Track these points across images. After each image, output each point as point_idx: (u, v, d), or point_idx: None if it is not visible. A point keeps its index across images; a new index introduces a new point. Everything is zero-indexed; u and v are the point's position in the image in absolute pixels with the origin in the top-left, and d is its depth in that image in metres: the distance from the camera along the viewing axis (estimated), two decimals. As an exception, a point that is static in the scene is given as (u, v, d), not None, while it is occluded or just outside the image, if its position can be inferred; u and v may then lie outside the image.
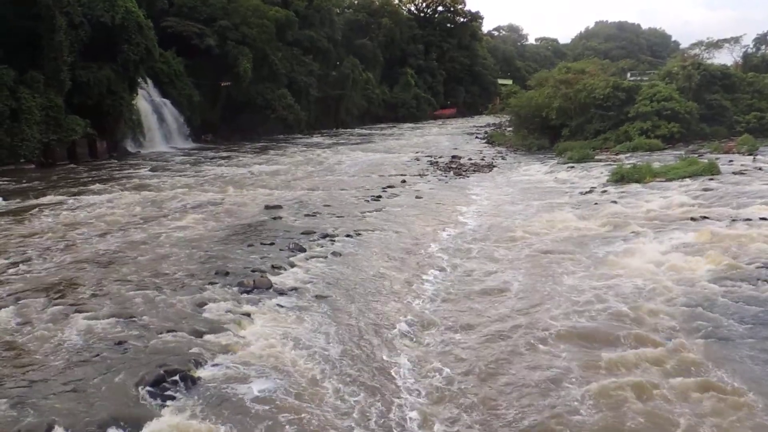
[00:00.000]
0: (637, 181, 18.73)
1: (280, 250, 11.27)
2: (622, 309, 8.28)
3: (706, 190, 16.53)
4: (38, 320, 7.54)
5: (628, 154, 26.60)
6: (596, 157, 26.38)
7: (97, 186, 19.60)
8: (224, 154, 32.68)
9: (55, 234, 12.63)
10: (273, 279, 9.33)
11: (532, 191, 19.55)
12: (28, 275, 9.58)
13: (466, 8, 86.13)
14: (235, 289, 8.84)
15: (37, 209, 15.39)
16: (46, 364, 6.35)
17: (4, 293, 8.64)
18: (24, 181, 20.90)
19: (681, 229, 12.41)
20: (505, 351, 7.34)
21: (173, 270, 9.88)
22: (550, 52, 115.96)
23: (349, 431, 5.55)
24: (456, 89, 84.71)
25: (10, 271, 9.81)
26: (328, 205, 16.30)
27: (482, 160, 30.03)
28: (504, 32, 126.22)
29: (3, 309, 7.88)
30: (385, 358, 7.17)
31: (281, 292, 8.83)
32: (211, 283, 9.10)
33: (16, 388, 5.82)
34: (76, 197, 17.36)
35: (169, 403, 5.71)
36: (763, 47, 40.40)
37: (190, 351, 6.65)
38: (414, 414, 5.97)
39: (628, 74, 49.76)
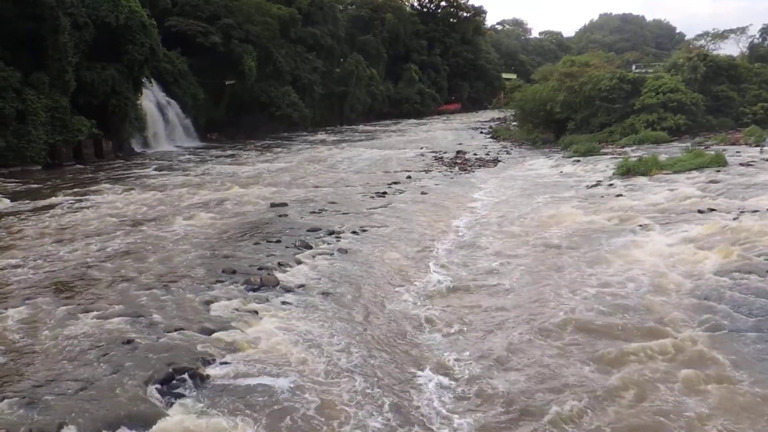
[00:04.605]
0: (644, 174, 18.67)
1: (287, 247, 11.30)
2: (629, 301, 8.28)
3: (713, 182, 16.45)
4: (47, 320, 7.59)
5: (633, 147, 26.50)
6: (602, 151, 26.29)
7: (103, 186, 19.67)
8: (229, 152, 32.74)
9: (62, 234, 12.70)
10: (280, 276, 9.36)
11: (538, 185, 19.50)
12: (36, 275, 9.64)
13: (469, 3, 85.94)
14: (243, 287, 8.88)
15: (44, 210, 15.47)
16: (55, 364, 6.39)
17: (13, 293, 8.71)
18: (31, 182, 21.00)
19: (688, 221, 12.36)
20: (512, 344, 7.33)
21: (180, 268, 9.92)
22: (554, 45, 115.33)
23: (361, 425, 5.56)
24: (460, 84, 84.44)
25: (19, 271, 9.87)
26: (334, 202, 16.31)
27: (487, 155, 29.96)
28: (507, 26, 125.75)
29: (13, 309, 7.94)
30: (392, 353, 7.19)
31: (288, 290, 8.86)
32: (219, 281, 9.14)
33: (26, 388, 5.87)
34: (83, 197, 17.44)
35: (178, 401, 5.74)
36: (770, 37, 40.04)
37: (199, 349, 6.69)
38: (423, 409, 5.97)
39: (633, 66, 49.57)
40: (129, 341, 6.86)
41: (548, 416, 5.71)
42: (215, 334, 7.14)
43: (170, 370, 6.12)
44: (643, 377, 6.26)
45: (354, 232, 12.68)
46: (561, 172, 22.27)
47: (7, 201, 16.80)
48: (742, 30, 38.80)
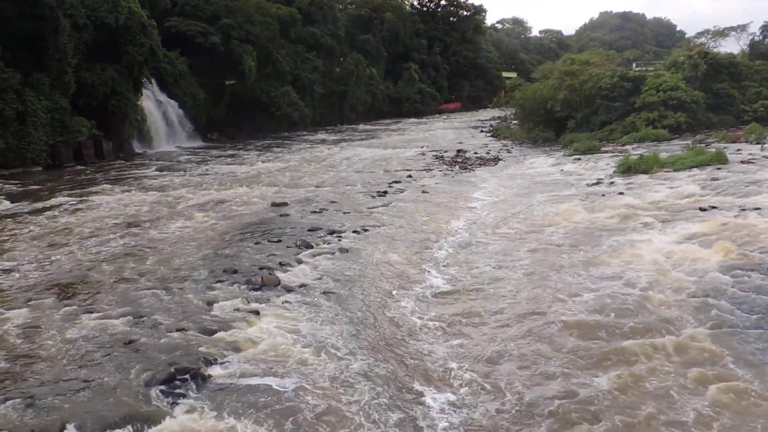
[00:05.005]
0: (645, 172, 18.65)
1: (287, 247, 11.30)
2: (631, 301, 8.26)
3: (714, 179, 16.44)
4: (49, 321, 7.60)
5: (634, 145, 26.50)
6: (602, 149, 26.29)
7: (104, 187, 19.67)
8: (230, 152, 32.74)
9: (63, 236, 12.70)
10: (281, 276, 9.37)
11: (539, 184, 19.48)
12: (37, 276, 9.64)
13: (469, 1, 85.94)
14: (244, 286, 8.89)
15: (44, 211, 15.47)
16: (57, 364, 6.40)
17: (14, 295, 8.71)
18: (31, 183, 21.00)
19: (689, 219, 12.35)
20: (513, 342, 7.33)
21: (181, 269, 9.93)
22: (555, 44, 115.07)
23: (361, 425, 5.56)
24: (460, 83, 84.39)
25: (20, 273, 9.87)
26: (335, 202, 16.32)
27: (488, 153, 29.94)
28: (507, 25, 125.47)
29: (15, 310, 7.94)
30: (393, 351, 7.18)
31: (289, 289, 8.87)
32: (220, 281, 9.15)
33: (29, 388, 5.88)
34: (83, 198, 17.43)
35: (180, 401, 5.75)
36: (770, 35, 39.86)
37: (200, 349, 6.69)
38: (429, 407, 5.96)
39: (634, 64, 49.44)
40: (130, 342, 6.87)
41: (556, 428, 5.60)
42: (217, 334, 7.14)
43: (172, 370, 6.12)
44: (646, 380, 6.23)
45: (355, 232, 12.67)
46: (562, 170, 22.24)
47: (8, 203, 16.80)
48: (743, 27, 38.68)
